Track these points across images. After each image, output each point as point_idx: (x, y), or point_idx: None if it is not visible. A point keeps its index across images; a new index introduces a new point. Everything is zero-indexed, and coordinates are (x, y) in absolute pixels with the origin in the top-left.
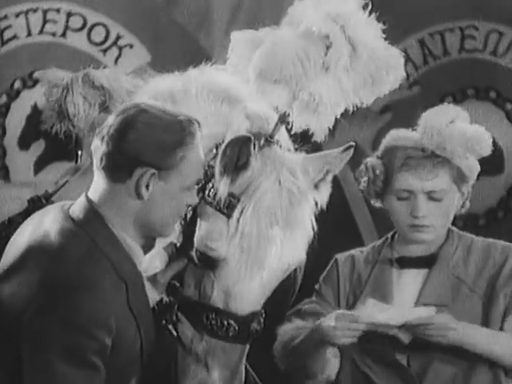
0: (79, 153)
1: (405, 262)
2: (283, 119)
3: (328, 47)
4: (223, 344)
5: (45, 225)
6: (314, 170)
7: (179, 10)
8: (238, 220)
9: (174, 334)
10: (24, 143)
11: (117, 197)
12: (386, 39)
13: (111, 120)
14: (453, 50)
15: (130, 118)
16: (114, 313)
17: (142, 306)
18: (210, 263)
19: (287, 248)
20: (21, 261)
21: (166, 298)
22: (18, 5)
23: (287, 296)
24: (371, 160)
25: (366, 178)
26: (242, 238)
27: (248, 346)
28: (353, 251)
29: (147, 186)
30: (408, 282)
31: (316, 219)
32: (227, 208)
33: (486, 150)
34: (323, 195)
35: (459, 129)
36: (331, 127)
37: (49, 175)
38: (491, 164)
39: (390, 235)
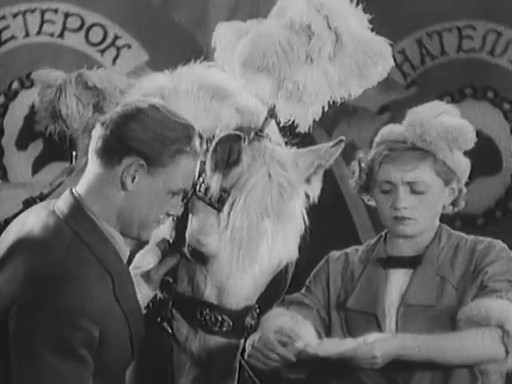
0: (73, 153)
1: (392, 262)
2: (272, 113)
3: (311, 37)
4: (218, 339)
5: (29, 222)
6: (304, 165)
7: (177, 10)
8: (229, 214)
9: (169, 331)
10: (22, 143)
11: (103, 187)
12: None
13: (119, 108)
14: (451, 49)
15: (137, 109)
16: (100, 304)
17: (129, 297)
18: (201, 258)
19: (279, 241)
20: (6, 258)
21: (160, 295)
22: (15, 5)
23: (279, 291)
24: (359, 154)
25: (354, 173)
26: (233, 232)
27: (243, 342)
28: (348, 249)
29: (133, 179)
30: (395, 283)
31: (313, 217)
32: (218, 202)
33: (469, 143)
34: (315, 189)
35: (441, 121)
36: (317, 118)
37: (47, 175)
38: (489, 164)
39: (384, 233)
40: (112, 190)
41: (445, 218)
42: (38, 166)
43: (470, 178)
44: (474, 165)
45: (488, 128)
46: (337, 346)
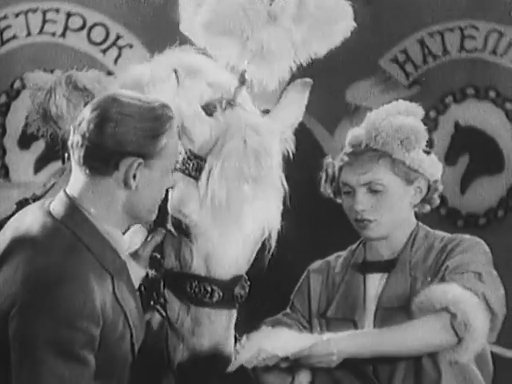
0: (66, 154)
1: (369, 267)
2: (243, 80)
3: None
4: (209, 311)
5: (26, 223)
6: (277, 125)
7: (179, 10)
8: (207, 181)
9: (163, 314)
10: (24, 143)
11: (100, 189)
12: (385, 39)
13: (87, 114)
14: (453, 49)
15: (105, 110)
16: (100, 304)
17: (129, 296)
18: (185, 229)
19: (261, 208)
20: (3, 258)
21: (150, 272)
22: (17, 5)
23: (261, 264)
24: (326, 160)
25: (321, 178)
26: (213, 199)
27: (235, 313)
28: (330, 257)
29: (134, 176)
30: (372, 287)
31: (313, 219)
32: (195, 171)
33: (421, 142)
34: (290, 143)
35: (392, 121)
36: (284, 78)
37: (48, 175)
38: (491, 163)
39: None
40: (114, 191)
41: (447, 218)
42: (40, 165)
43: (473, 177)
44: (476, 164)
45: (490, 128)
46: (294, 343)
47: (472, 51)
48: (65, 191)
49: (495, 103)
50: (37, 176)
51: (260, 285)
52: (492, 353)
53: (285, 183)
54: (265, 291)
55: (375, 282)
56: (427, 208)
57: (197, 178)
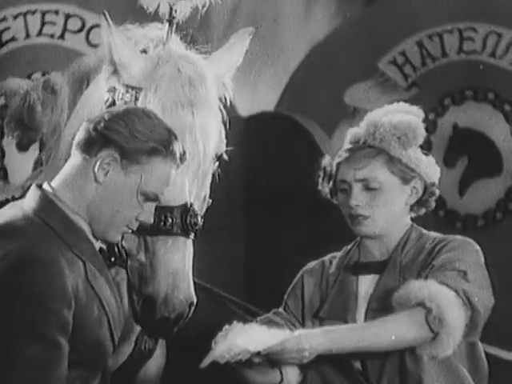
0: (43, 157)
1: (361, 268)
2: (170, 20)
3: None
4: (164, 239)
5: None
6: (215, 67)
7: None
8: (144, 104)
9: (124, 268)
10: (22, 145)
11: (77, 177)
12: (384, 41)
13: (113, 111)
14: (451, 51)
15: (126, 109)
16: (71, 287)
17: (104, 285)
18: None
19: (203, 134)
20: None
21: None
22: (16, 6)
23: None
24: (324, 158)
25: (318, 177)
26: None
27: (191, 245)
28: (325, 257)
29: (107, 172)
30: (364, 288)
31: (313, 219)
32: (134, 102)
33: (419, 139)
34: (229, 89)
35: (391, 118)
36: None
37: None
38: (490, 165)
39: (359, 238)
40: (84, 182)
41: (446, 220)
42: (38, 167)
43: (471, 179)
44: (474, 166)
45: (488, 130)
46: (266, 339)
47: (471, 53)
48: (37, 185)
49: (494, 105)
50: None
51: (259, 284)
52: (488, 354)
53: (223, 109)
54: (264, 290)
55: (367, 283)
56: (422, 211)
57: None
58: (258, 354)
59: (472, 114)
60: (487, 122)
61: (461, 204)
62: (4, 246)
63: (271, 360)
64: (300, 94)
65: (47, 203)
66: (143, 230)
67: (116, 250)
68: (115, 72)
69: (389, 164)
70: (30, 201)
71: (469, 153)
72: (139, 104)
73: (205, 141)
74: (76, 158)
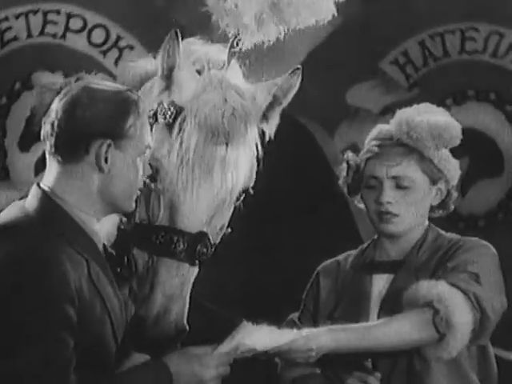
0: None
1: (376, 267)
2: (232, 47)
3: None
4: (169, 262)
5: (1, 218)
6: (262, 96)
7: (179, 12)
8: (180, 126)
9: (129, 279)
10: (24, 145)
11: (74, 176)
12: (386, 41)
13: (56, 105)
14: (453, 51)
15: (74, 96)
16: (74, 285)
17: (106, 285)
18: (154, 174)
19: (231, 165)
20: None
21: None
22: (18, 6)
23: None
24: (347, 153)
25: (342, 171)
26: (182, 144)
27: (194, 272)
28: (340, 257)
29: (106, 159)
30: (378, 288)
31: (314, 220)
32: (174, 119)
33: (455, 141)
34: (272, 126)
35: (427, 118)
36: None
37: None
38: (491, 166)
39: (376, 237)
40: (89, 177)
41: (447, 220)
42: (40, 166)
43: (473, 179)
44: (476, 166)
45: (490, 130)
46: (274, 339)
47: (472, 53)
48: (37, 184)
49: (495, 105)
50: (37, 178)
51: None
52: (496, 356)
53: (260, 148)
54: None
55: (381, 283)
56: (440, 213)
57: (170, 125)
58: (266, 353)
59: (474, 114)
60: (489, 122)
61: (462, 204)
62: (6, 245)
63: (280, 359)
64: (301, 93)
65: (48, 202)
66: (154, 250)
67: (125, 260)
68: (167, 88)
69: (421, 163)
70: (31, 200)
71: (470, 153)
72: (176, 124)
73: (234, 176)
74: (57, 162)
